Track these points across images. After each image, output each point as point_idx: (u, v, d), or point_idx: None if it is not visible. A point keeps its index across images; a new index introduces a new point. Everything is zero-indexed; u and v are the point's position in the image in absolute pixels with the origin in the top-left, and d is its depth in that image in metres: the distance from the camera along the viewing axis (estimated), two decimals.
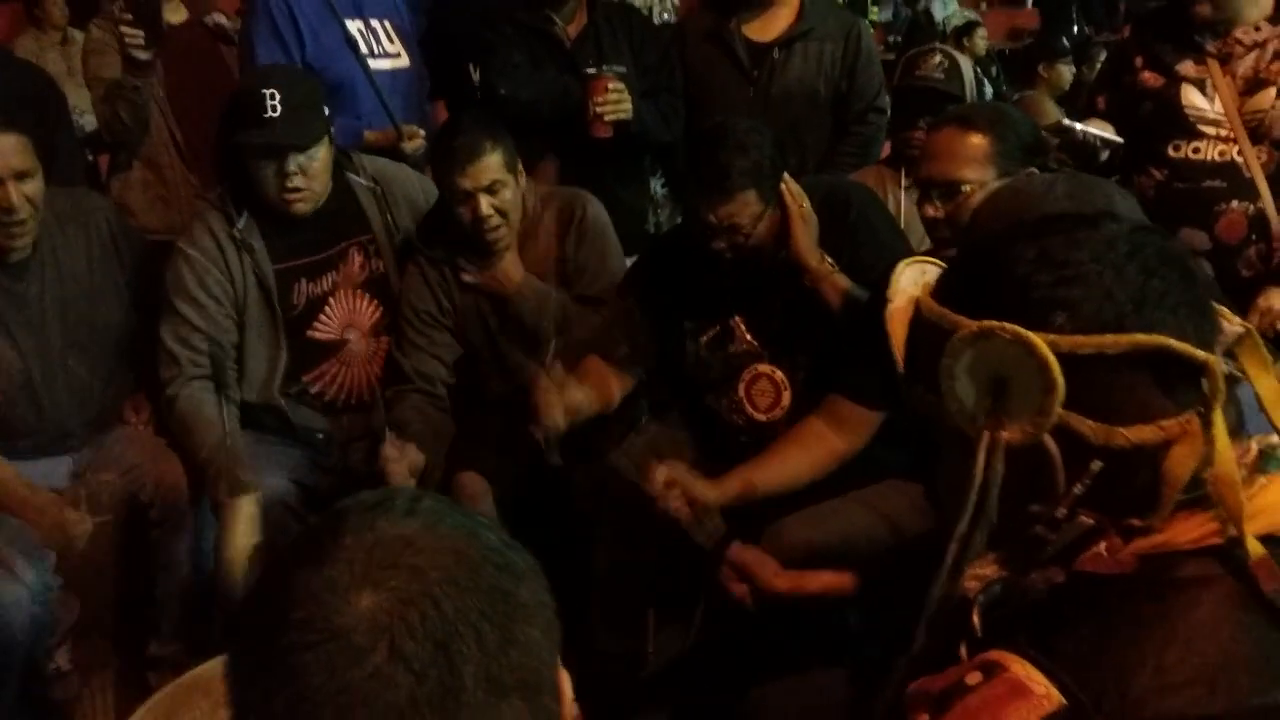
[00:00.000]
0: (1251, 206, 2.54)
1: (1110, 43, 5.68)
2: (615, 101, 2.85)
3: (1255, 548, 0.89)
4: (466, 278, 2.55)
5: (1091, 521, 0.93)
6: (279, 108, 2.39)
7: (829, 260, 2.17)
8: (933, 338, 0.97)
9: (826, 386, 2.17)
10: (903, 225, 2.60)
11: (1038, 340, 0.89)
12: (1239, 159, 2.54)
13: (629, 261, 2.64)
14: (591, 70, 2.87)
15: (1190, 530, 0.92)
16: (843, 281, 2.16)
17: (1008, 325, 0.90)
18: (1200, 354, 0.90)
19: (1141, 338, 0.89)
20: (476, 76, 3.13)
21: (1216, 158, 2.57)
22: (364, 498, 0.76)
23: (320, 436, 2.63)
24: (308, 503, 2.54)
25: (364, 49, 2.93)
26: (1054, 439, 0.92)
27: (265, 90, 2.40)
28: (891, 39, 6.77)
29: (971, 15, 7.70)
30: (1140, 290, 0.91)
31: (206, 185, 3.00)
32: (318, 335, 2.61)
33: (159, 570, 2.49)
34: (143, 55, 2.82)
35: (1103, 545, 0.93)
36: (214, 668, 1.71)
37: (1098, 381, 0.90)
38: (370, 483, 2.53)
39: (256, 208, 2.50)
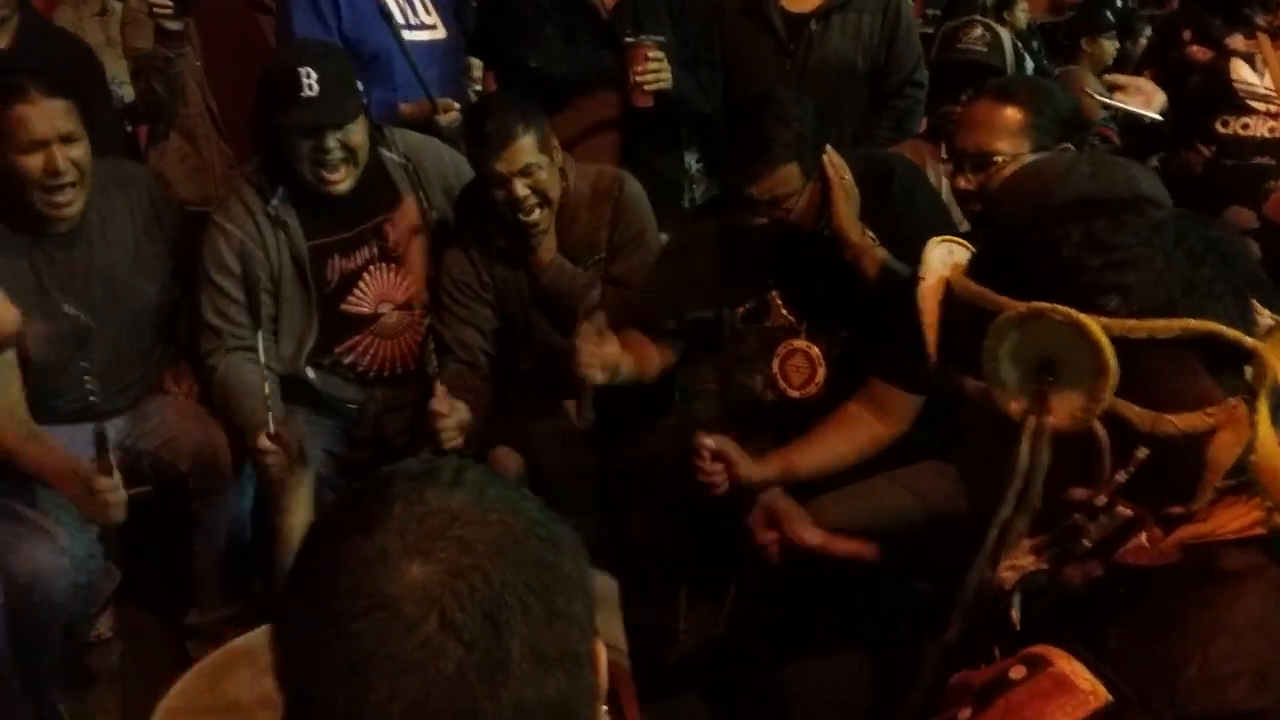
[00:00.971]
0: None
1: (1156, 16, 5.56)
2: (655, 71, 2.82)
3: None
4: None
5: (1130, 512, 0.91)
6: (315, 86, 2.39)
7: (870, 234, 2.15)
8: (970, 318, 0.95)
9: (864, 364, 2.16)
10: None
11: (1091, 322, 0.87)
12: None
13: (664, 237, 2.63)
14: (630, 39, 2.84)
15: (1234, 519, 0.90)
16: (883, 256, 2.13)
17: (1059, 307, 0.88)
18: (1249, 340, 0.88)
19: (1193, 323, 0.88)
20: None
21: (1266, 134, 2.52)
22: (409, 466, 0.76)
23: (353, 408, 2.65)
24: (341, 473, 2.57)
25: (399, 20, 2.92)
26: (1101, 425, 0.90)
27: (300, 69, 2.40)
28: (930, 12, 6.65)
29: None
30: (1189, 276, 0.89)
31: (241, 157, 3.01)
32: (351, 309, 2.62)
33: (197, 540, 2.52)
34: (173, 25, 2.82)
35: (1143, 536, 0.91)
36: (257, 637, 1.73)
37: (1146, 367, 0.89)
38: (406, 453, 2.55)
39: (292, 184, 2.51)
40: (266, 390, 2.36)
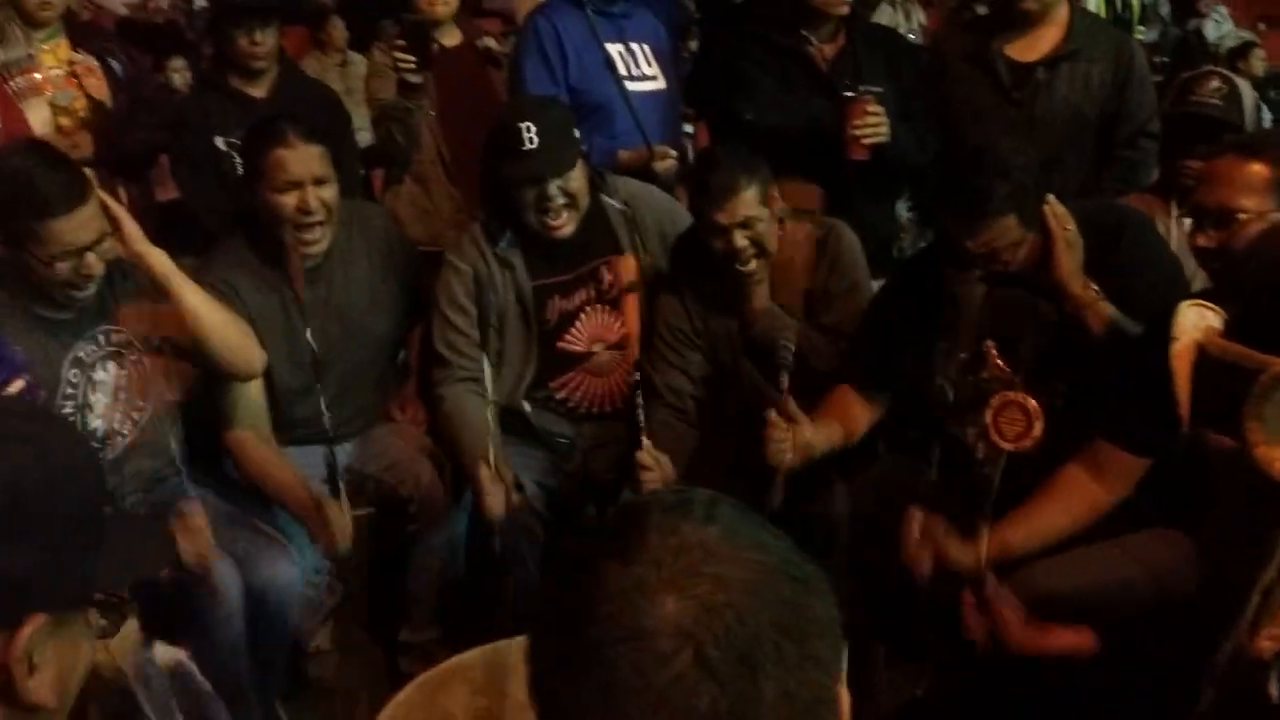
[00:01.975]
0: None
1: None
2: (874, 124, 2.83)
3: None
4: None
5: None
6: (535, 139, 2.50)
7: (1094, 288, 2.08)
8: (1228, 379, 0.92)
9: (1083, 420, 2.08)
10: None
11: None
12: None
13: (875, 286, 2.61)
14: (850, 92, 2.85)
15: None
16: (1109, 311, 2.06)
17: None
18: None
19: None
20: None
21: None
22: (662, 497, 0.78)
23: (564, 442, 2.73)
24: (550, 505, 2.64)
25: (623, 71, 3.04)
26: None
27: (521, 124, 2.52)
28: (1158, 60, 6.40)
29: (1248, 35, 7.19)
30: None
31: (469, 200, 3.18)
32: (567, 347, 2.71)
33: (414, 561, 2.63)
34: (414, 79, 3.01)
35: None
36: (475, 657, 1.80)
37: None
38: (610, 489, 2.61)
39: (517, 228, 2.63)
40: (490, 432, 2.46)
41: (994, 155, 2.09)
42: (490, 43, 3.36)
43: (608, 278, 2.71)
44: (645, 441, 2.43)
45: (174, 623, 1.98)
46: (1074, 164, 2.95)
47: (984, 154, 2.12)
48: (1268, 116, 4.80)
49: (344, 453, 2.70)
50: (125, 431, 2.32)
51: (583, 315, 2.70)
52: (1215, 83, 2.74)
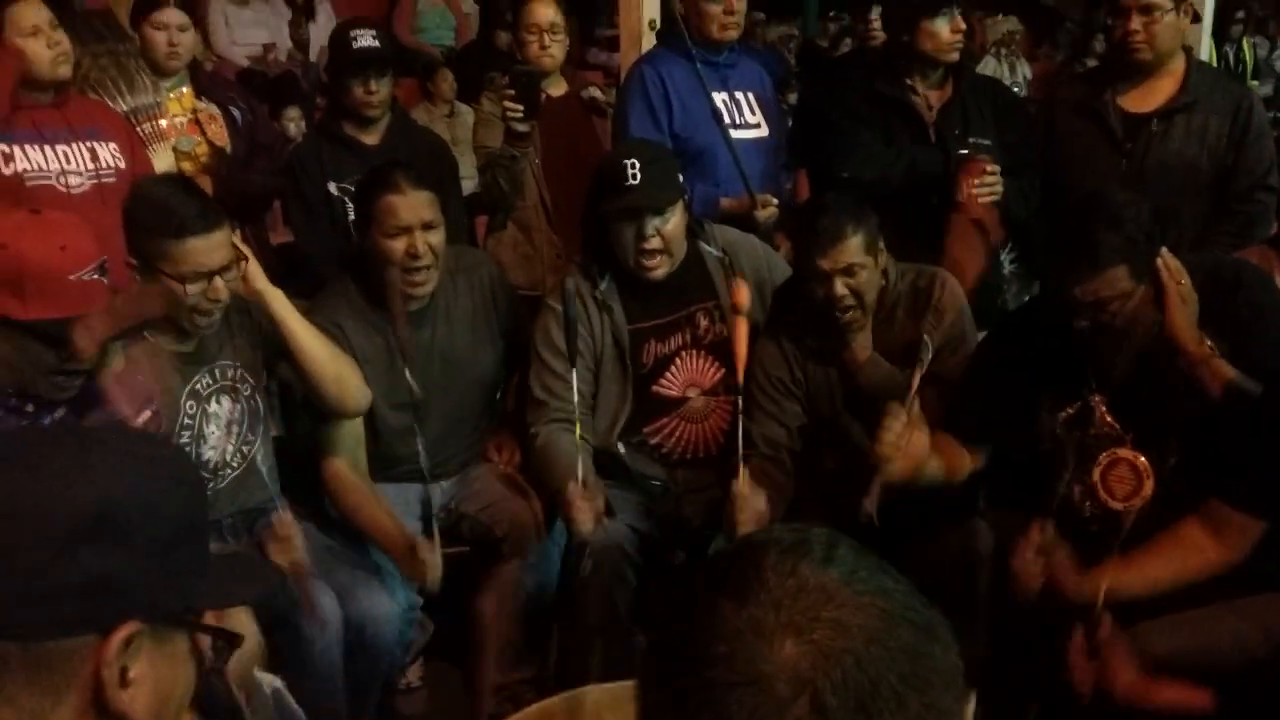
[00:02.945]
0: None
1: None
2: (991, 185, 2.82)
3: None
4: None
5: None
6: (638, 176, 2.54)
7: (1209, 343, 2.02)
8: None
9: (1197, 480, 2.01)
10: None
11: None
12: None
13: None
14: (966, 151, 2.84)
15: None
16: (1225, 369, 2.00)
17: None
18: None
19: None
20: None
21: None
22: (779, 535, 0.76)
23: (657, 485, 2.73)
24: (642, 549, 2.64)
25: (727, 119, 3.07)
26: None
27: (627, 161, 2.58)
28: (1274, 115, 6.22)
29: None
30: None
31: (568, 246, 3.22)
32: (662, 392, 2.72)
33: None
34: (521, 128, 3.08)
35: None
36: (556, 705, 1.80)
37: None
38: (702, 535, 2.60)
39: (617, 273, 2.66)
40: (580, 456, 2.47)
41: (1107, 204, 2.07)
42: (595, 92, 3.41)
43: (704, 323, 2.72)
44: (743, 471, 2.40)
45: (273, 651, 2.03)
46: (1188, 217, 2.89)
47: (1096, 203, 2.09)
48: None
49: (440, 491, 2.74)
50: (234, 464, 2.39)
51: (678, 360, 2.71)
52: None
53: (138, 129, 3.12)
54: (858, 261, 2.40)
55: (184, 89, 3.23)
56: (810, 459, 2.64)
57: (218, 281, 2.19)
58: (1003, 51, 7.00)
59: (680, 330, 2.72)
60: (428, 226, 2.55)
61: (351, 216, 3.03)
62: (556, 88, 3.34)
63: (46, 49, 2.78)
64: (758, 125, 3.16)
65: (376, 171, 2.65)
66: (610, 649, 2.52)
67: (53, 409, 1.95)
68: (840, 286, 2.41)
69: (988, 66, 6.65)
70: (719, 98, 3.07)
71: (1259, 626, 1.91)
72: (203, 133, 3.21)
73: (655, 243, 2.58)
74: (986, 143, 2.87)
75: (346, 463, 2.53)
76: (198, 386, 2.32)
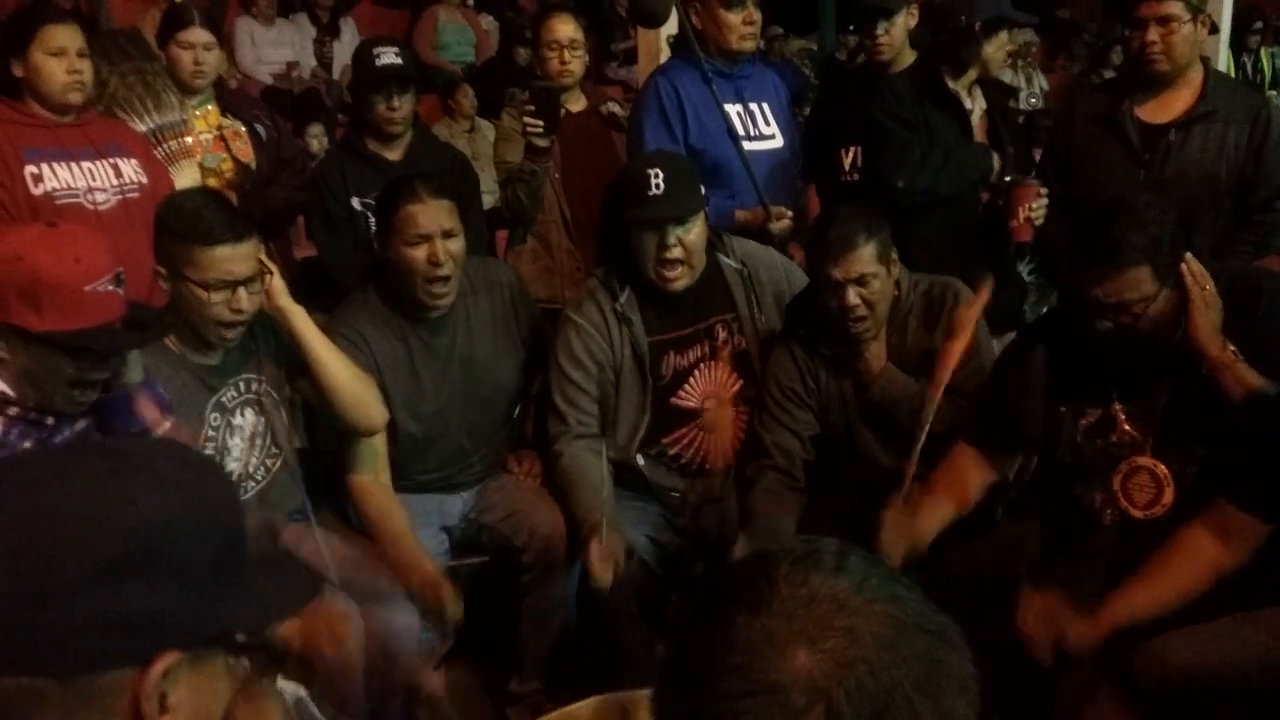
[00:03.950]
0: None
1: None
2: (1041, 207, 2.89)
3: None
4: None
5: None
6: (661, 185, 2.56)
7: (1232, 349, 2.02)
8: None
9: (1215, 486, 2.01)
10: None
11: None
12: None
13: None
14: (1017, 177, 2.92)
15: None
16: (1249, 374, 1.99)
17: None
18: None
19: None
20: (847, 162, 3.21)
21: None
22: (790, 547, 0.76)
23: (675, 495, 2.74)
24: (660, 560, 2.65)
25: (741, 132, 3.08)
26: None
27: (649, 170, 2.59)
28: None
29: None
30: None
31: (588, 259, 3.25)
32: (680, 403, 2.73)
33: (525, 612, 2.66)
34: (541, 143, 3.11)
35: None
36: (579, 711, 1.81)
37: None
38: (719, 545, 2.61)
39: (637, 285, 2.68)
40: (606, 492, 2.49)
41: (1131, 207, 2.08)
42: (614, 107, 3.44)
43: (722, 335, 2.74)
44: (741, 538, 2.43)
45: (296, 660, 2.05)
46: (1206, 226, 2.89)
47: (1121, 205, 2.10)
48: None
49: (462, 501, 2.76)
50: (259, 477, 2.42)
51: (696, 372, 2.73)
52: None
53: (164, 146, 3.17)
54: (870, 271, 2.41)
55: (210, 106, 3.28)
56: (823, 468, 2.65)
57: (241, 293, 2.22)
58: (1019, 63, 7.00)
59: (699, 342, 2.73)
60: (448, 235, 2.57)
61: (374, 231, 3.06)
62: (576, 103, 3.37)
63: (64, 73, 2.82)
64: (772, 136, 3.18)
65: (396, 182, 2.68)
66: (630, 659, 2.53)
67: (73, 421, 1.96)
68: (853, 296, 2.42)
69: (1004, 77, 6.66)
70: (734, 109, 3.09)
71: (1278, 640, 1.90)
72: (228, 149, 3.26)
73: (677, 252, 2.59)
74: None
75: (371, 478, 2.55)
76: (223, 399, 2.35)
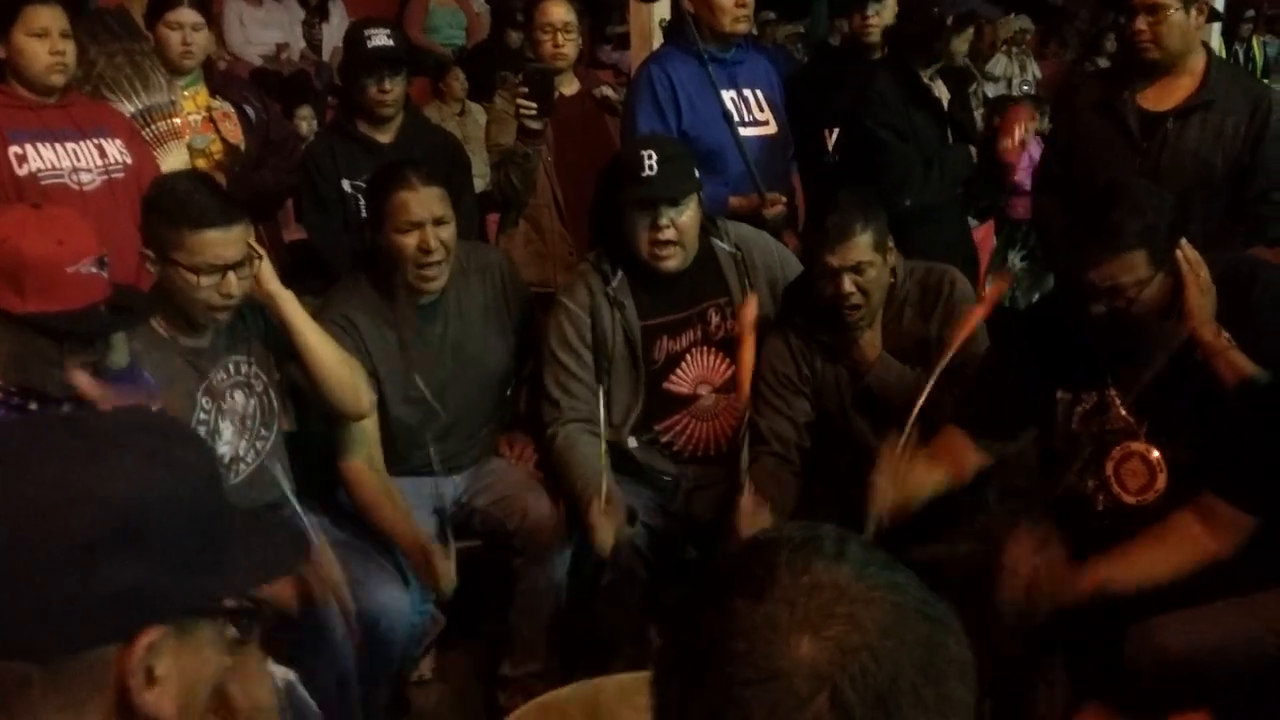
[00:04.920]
0: None
1: None
2: (1032, 131, 2.97)
3: None
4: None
5: None
6: (655, 167, 2.56)
7: (1226, 335, 2.02)
8: None
9: (1204, 475, 2.01)
10: None
11: None
12: None
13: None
14: (1014, 96, 3.02)
15: None
16: (1243, 361, 1.99)
17: None
18: None
19: None
20: (830, 143, 3.21)
21: None
22: (789, 533, 0.76)
23: (668, 479, 2.74)
24: (652, 544, 2.65)
25: (736, 118, 3.07)
26: None
27: (644, 152, 2.59)
28: None
29: None
30: None
31: (580, 243, 3.24)
32: (672, 388, 2.73)
33: (517, 596, 2.66)
34: (534, 125, 3.09)
35: None
36: (568, 695, 1.81)
37: None
38: (711, 530, 2.61)
39: (630, 268, 2.67)
40: (604, 466, 2.48)
41: (1128, 191, 2.08)
42: (607, 91, 3.43)
43: (715, 320, 2.73)
44: (748, 487, 2.42)
45: (286, 643, 2.05)
46: (1200, 215, 2.88)
47: (1118, 189, 2.10)
48: None
49: (453, 485, 2.76)
50: (249, 460, 2.41)
51: (689, 357, 2.72)
52: None
53: (152, 127, 3.15)
54: (866, 259, 2.41)
55: (198, 87, 3.25)
56: (819, 456, 2.65)
57: (231, 276, 2.20)
58: (1013, 50, 7.00)
59: (692, 327, 2.73)
60: (439, 222, 2.56)
61: (364, 214, 3.05)
62: (569, 86, 3.36)
63: (47, 54, 2.79)
64: (766, 122, 3.17)
65: (388, 168, 2.66)
66: (622, 643, 2.54)
67: (58, 405, 1.93)
68: (848, 284, 2.41)
69: (998, 65, 6.65)
70: (728, 95, 3.09)
71: (1268, 626, 1.91)
72: (217, 131, 3.23)
73: (669, 234, 2.59)
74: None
75: (364, 461, 2.54)
76: (214, 382, 2.33)
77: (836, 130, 3.21)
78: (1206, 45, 3.07)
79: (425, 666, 2.83)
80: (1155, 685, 1.93)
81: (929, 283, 2.55)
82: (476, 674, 2.82)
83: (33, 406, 1.91)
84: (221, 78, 3.52)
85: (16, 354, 1.87)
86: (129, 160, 2.94)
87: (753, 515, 2.36)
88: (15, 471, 0.85)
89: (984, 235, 3.96)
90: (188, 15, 3.17)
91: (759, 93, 3.19)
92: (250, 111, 3.35)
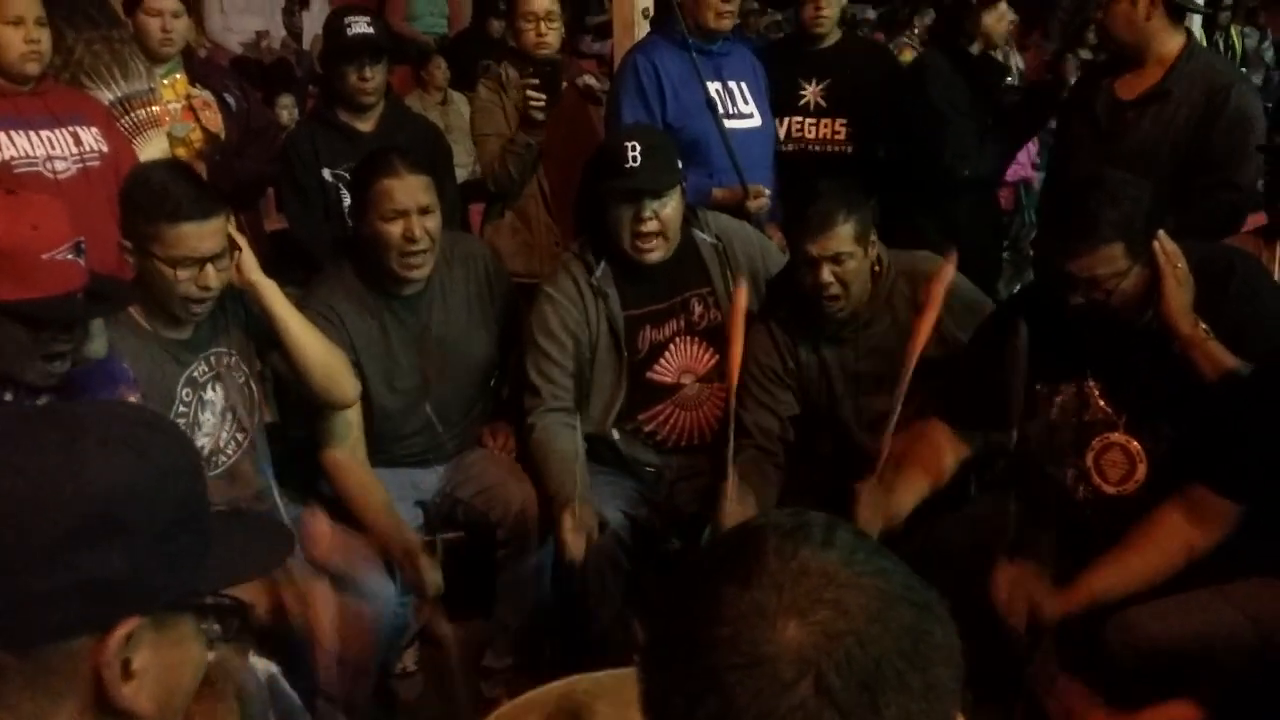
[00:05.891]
0: None
1: None
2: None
3: None
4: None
5: None
6: (638, 158, 2.55)
7: (1204, 327, 2.03)
8: None
9: (1187, 466, 2.03)
10: None
11: None
12: None
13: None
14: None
15: None
16: (1220, 352, 2.00)
17: None
18: None
19: None
20: (783, 132, 3.27)
21: None
22: (778, 520, 0.76)
23: (651, 470, 2.74)
24: (634, 534, 2.65)
25: (720, 109, 3.07)
26: None
27: (627, 143, 2.58)
28: (1268, 105, 6.24)
29: None
30: None
31: (566, 234, 3.23)
32: (656, 378, 2.72)
33: (500, 587, 2.65)
34: (540, 116, 3.09)
35: None
36: (548, 694, 1.80)
37: None
38: (694, 520, 2.61)
39: (613, 258, 2.66)
40: (580, 460, 2.48)
41: (1105, 183, 2.08)
42: (591, 80, 3.41)
43: (698, 310, 2.73)
44: (733, 473, 2.42)
45: (268, 636, 2.04)
46: None
47: (1096, 181, 2.11)
48: None
49: (437, 476, 2.75)
50: (229, 452, 2.39)
51: (672, 346, 2.72)
52: None
53: (132, 115, 3.12)
54: (846, 250, 2.41)
55: (178, 75, 3.22)
56: (804, 445, 2.66)
57: (209, 269, 2.18)
58: None
59: (675, 317, 2.72)
60: (424, 211, 2.55)
61: (346, 203, 3.03)
62: None
63: (22, 42, 2.75)
64: (751, 115, 3.17)
65: (373, 156, 2.65)
66: (604, 635, 2.53)
67: (35, 396, 1.92)
68: (827, 274, 2.41)
69: None
70: (713, 87, 3.08)
71: (1246, 614, 1.93)
72: (197, 119, 3.21)
73: (652, 225, 2.58)
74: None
75: (346, 453, 2.53)
76: (194, 374, 2.32)
77: (788, 120, 3.32)
78: (1190, 34, 3.05)
79: (409, 659, 2.83)
80: (1136, 673, 1.95)
81: (918, 271, 2.55)
82: (461, 666, 2.81)
83: (8, 397, 1.89)
84: (202, 66, 3.49)
85: None
86: (105, 149, 2.91)
87: (737, 504, 2.36)
88: None
89: None
90: (167, 2, 3.15)
91: (744, 85, 3.18)
92: (231, 100, 3.32)
